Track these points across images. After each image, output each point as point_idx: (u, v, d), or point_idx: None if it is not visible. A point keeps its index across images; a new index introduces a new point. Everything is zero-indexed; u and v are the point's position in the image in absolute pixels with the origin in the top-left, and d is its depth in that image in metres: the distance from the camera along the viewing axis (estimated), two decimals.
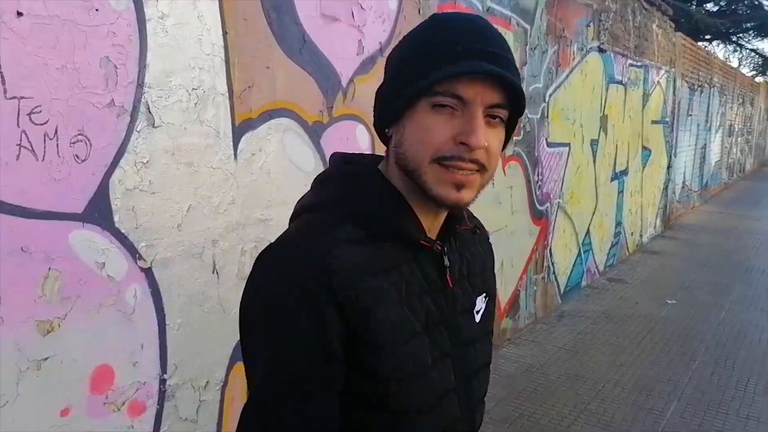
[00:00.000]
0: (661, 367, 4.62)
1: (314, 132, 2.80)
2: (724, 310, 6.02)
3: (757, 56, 25.54)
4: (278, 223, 2.56)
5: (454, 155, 0.88)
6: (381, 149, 1.02)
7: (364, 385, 0.90)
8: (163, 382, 2.19)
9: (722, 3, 21.73)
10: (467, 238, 1.10)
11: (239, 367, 2.50)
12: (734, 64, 23.33)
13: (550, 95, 5.30)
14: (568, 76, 5.59)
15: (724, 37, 24.05)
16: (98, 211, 1.91)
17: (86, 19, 1.82)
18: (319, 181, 1.02)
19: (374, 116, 0.98)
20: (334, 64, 2.88)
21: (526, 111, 4.93)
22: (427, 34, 0.91)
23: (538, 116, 5.13)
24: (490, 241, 1.21)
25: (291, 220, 1.01)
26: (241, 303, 0.92)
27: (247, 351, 0.92)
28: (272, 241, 0.95)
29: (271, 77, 2.55)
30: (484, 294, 1.10)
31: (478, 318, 1.07)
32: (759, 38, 24.55)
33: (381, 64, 3.31)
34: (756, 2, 22.26)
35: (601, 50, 6.25)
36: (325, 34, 2.80)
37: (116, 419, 2.03)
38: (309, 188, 1.03)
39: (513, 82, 0.87)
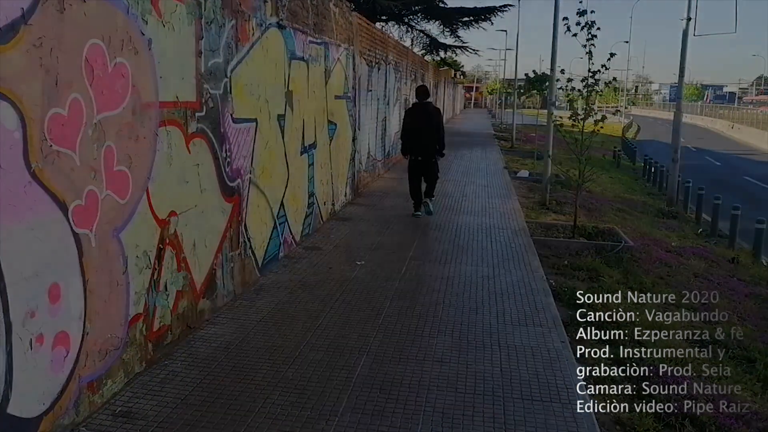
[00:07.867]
0: (352, 325, 4.98)
1: None
2: (405, 265, 6.71)
3: (425, 37, 28.71)
4: None
5: None
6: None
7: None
8: None
9: None
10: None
11: None
12: (407, 43, 25.89)
13: (232, 70, 5.25)
14: (249, 51, 5.59)
15: (398, 19, 26.56)
16: None
17: None
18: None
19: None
20: None
21: (207, 86, 4.83)
22: None
23: (221, 92, 5.04)
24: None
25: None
26: None
27: None
28: None
29: None
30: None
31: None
32: (426, 20, 27.64)
33: (26, 33, 2.91)
34: None
35: (280, 26, 6.37)
36: None
37: None
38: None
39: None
